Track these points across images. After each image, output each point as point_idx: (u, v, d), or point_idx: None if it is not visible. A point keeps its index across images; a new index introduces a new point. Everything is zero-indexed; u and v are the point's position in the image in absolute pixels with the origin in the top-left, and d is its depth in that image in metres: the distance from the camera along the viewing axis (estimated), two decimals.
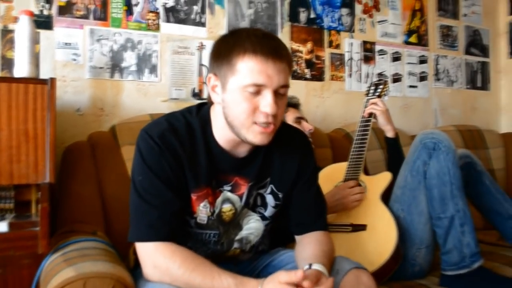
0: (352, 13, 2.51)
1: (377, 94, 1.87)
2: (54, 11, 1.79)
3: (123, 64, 1.91)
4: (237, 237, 1.21)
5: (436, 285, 1.52)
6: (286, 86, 1.05)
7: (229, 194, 1.16)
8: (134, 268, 1.19)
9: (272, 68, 1.01)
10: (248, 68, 1.01)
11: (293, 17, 2.33)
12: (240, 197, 1.17)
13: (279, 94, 1.05)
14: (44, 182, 1.36)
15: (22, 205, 1.39)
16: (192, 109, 1.18)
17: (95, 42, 1.86)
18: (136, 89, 1.94)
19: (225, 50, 1.05)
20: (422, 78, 2.76)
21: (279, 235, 1.36)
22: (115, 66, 1.90)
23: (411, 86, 2.72)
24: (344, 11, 2.49)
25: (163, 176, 1.06)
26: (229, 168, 1.15)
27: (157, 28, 1.98)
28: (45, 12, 1.78)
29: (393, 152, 1.83)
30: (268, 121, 1.04)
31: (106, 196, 1.59)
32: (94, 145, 1.67)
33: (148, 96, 1.97)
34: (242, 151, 1.15)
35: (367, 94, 1.91)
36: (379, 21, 2.60)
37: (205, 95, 2.08)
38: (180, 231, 1.11)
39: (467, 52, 2.95)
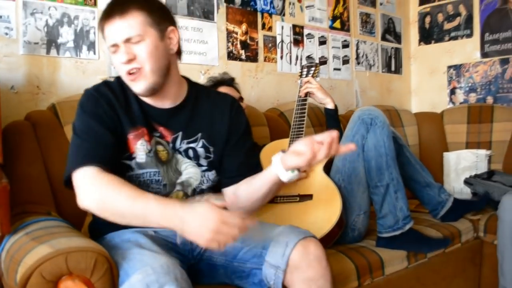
0: None
1: (310, 75, 2.00)
2: None
3: (60, 40, 1.83)
4: (178, 181, 1.29)
5: (373, 246, 1.69)
6: (131, 37, 1.17)
7: (159, 139, 1.29)
8: None
9: (108, 29, 1.19)
10: (103, 33, 1.21)
11: None
12: (167, 142, 1.29)
13: (133, 43, 1.18)
14: None
15: None
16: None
17: (29, 15, 1.75)
18: (74, 67, 1.87)
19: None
20: (345, 61, 2.95)
21: None
22: (51, 41, 1.81)
23: (335, 69, 2.90)
24: None
25: (97, 117, 1.19)
26: (156, 118, 1.28)
27: (94, 3, 1.91)
28: None
29: (333, 122, 1.97)
30: (129, 69, 1.19)
31: (52, 177, 1.53)
32: (36, 124, 1.60)
33: (87, 74, 1.90)
34: (164, 103, 1.29)
35: (300, 76, 2.03)
36: (307, 6, 2.73)
37: None
38: (115, 166, 1.18)
39: (383, 38, 3.21)
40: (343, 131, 1.90)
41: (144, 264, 0.98)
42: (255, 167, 1.34)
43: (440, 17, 3.22)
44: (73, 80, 1.86)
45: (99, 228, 1.27)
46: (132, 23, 1.17)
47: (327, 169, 1.79)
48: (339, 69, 2.92)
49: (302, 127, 1.84)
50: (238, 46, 2.41)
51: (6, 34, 1.71)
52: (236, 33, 2.40)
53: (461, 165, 2.61)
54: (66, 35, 1.84)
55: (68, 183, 1.16)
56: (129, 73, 1.19)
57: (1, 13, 1.70)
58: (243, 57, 2.43)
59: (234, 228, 0.99)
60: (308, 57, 2.72)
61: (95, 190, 1.09)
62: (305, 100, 1.93)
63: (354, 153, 1.71)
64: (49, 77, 1.81)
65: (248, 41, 2.45)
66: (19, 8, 1.73)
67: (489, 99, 2.98)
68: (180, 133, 1.29)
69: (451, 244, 1.90)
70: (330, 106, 1.98)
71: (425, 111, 3.08)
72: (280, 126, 2.28)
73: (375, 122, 1.69)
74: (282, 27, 2.61)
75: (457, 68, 3.14)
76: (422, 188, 2.01)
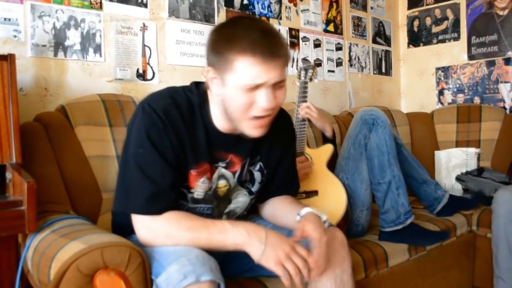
0: (279, 1, 2.67)
1: (308, 77, 2.05)
2: None
3: (67, 43, 1.85)
4: (226, 210, 1.29)
5: (376, 240, 1.77)
6: (283, 80, 1.08)
7: (224, 171, 1.23)
8: None
9: (268, 67, 1.02)
10: (246, 68, 1.02)
11: (229, 2, 2.42)
12: (234, 173, 1.24)
13: (277, 86, 1.08)
14: (11, 163, 1.32)
15: None
16: (191, 86, 1.21)
17: (37, 18, 1.77)
18: (81, 69, 1.89)
19: (222, 46, 1.05)
20: (338, 63, 3.03)
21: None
22: (59, 44, 1.83)
23: (329, 71, 2.98)
24: None
25: (164, 151, 1.10)
26: (225, 146, 1.20)
27: (100, 7, 1.94)
28: None
29: None
30: (265, 115, 1.09)
31: (65, 178, 1.56)
32: (47, 125, 1.61)
33: (93, 76, 1.93)
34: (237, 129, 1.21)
35: (299, 78, 2.08)
36: (302, 10, 2.80)
37: (149, 76, 2.09)
38: (175, 204, 1.16)
39: (374, 41, 3.30)
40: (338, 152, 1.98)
41: (179, 255, 1.00)
42: (294, 180, 1.41)
43: (428, 21, 3.33)
44: (80, 82, 1.89)
45: (124, 229, 1.24)
46: (284, 66, 1.07)
47: (329, 166, 1.86)
48: (333, 71, 2.99)
49: (304, 128, 1.91)
50: None
51: (15, 36, 1.73)
52: None
53: (452, 163, 2.70)
54: (73, 37, 1.87)
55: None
56: (257, 117, 1.08)
57: (9, 16, 1.71)
58: None
59: (302, 260, 1.05)
60: (304, 59, 2.79)
61: (166, 239, 1.08)
62: (304, 121, 1.96)
63: (357, 152, 1.79)
64: (57, 79, 1.83)
65: None
66: (27, 11, 1.75)
67: (477, 100, 3.09)
68: (248, 159, 1.25)
69: (447, 237, 1.99)
70: (328, 134, 2.02)
71: (415, 111, 3.18)
72: None
73: (377, 122, 1.76)
74: (279, 30, 2.67)
75: (445, 69, 3.25)
76: (419, 184, 2.10)
